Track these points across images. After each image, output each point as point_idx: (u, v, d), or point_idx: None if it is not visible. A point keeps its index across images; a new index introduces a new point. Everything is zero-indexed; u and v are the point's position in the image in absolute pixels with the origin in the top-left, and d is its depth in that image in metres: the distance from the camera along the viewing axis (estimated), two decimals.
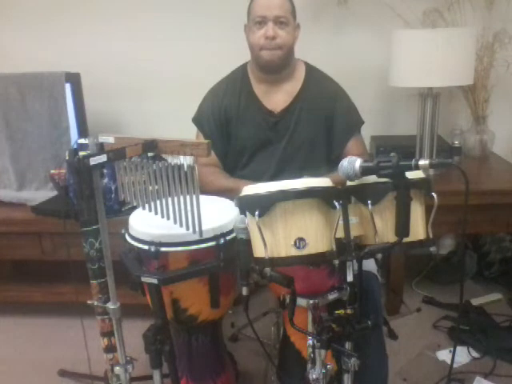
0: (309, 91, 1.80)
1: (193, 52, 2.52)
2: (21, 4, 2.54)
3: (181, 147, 1.17)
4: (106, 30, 2.52)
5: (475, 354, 1.93)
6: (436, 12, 2.30)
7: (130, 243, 1.36)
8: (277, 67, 1.75)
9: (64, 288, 2.19)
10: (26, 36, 2.57)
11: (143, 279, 1.26)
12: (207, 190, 1.66)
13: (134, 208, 1.40)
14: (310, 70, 1.84)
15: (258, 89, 1.82)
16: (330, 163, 1.82)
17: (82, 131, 2.32)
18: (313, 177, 1.07)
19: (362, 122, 1.87)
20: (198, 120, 1.88)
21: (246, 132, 1.82)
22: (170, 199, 1.19)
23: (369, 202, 1.05)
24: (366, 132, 1.96)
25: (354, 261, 1.09)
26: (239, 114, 1.81)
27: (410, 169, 0.98)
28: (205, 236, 1.25)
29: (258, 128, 1.81)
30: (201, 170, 1.77)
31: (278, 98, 1.80)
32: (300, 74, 1.82)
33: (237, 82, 1.84)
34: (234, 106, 1.81)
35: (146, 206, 1.23)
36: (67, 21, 2.52)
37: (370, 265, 1.44)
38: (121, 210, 1.91)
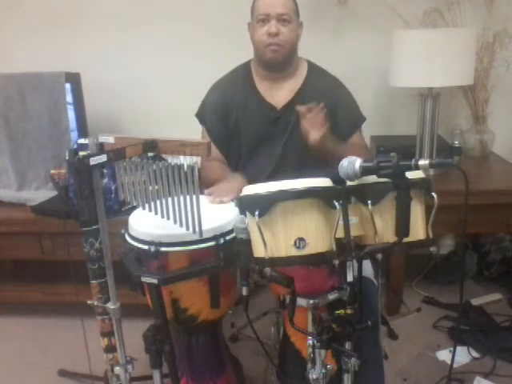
0: (310, 88, 1.80)
1: (193, 51, 2.52)
2: (21, 4, 2.54)
3: (181, 147, 1.17)
4: (106, 29, 2.52)
5: (475, 354, 1.93)
6: (436, 12, 2.30)
7: (129, 243, 1.36)
8: (280, 64, 1.75)
9: (64, 288, 2.19)
10: (26, 36, 2.57)
11: (143, 279, 1.26)
12: (210, 185, 1.65)
13: (134, 208, 1.40)
14: (312, 68, 1.85)
15: (261, 85, 1.82)
16: None
17: (82, 131, 2.32)
18: (315, 177, 1.07)
19: (364, 119, 1.87)
20: (200, 115, 1.89)
21: (248, 127, 1.83)
22: (170, 199, 1.19)
23: (369, 202, 1.05)
24: (366, 132, 1.96)
25: (354, 261, 1.09)
26: (241, 108, 1.82)
27: (410, 169, 0.98)
28: (205, 236, 1.25)
29: (260, 123, 1.81)
30: (205, 164, 1.78)
31: (280, 95, 1.81)
32: (302, 71, 1.83)
33: (239, 77, 1.85)
34: (236, 101, 1.82)
35: (146, 206, 1.23)
36: (67, 21, 2.52)
37: (366, 270, 1.43)
38: (121, 210, 1.91)
